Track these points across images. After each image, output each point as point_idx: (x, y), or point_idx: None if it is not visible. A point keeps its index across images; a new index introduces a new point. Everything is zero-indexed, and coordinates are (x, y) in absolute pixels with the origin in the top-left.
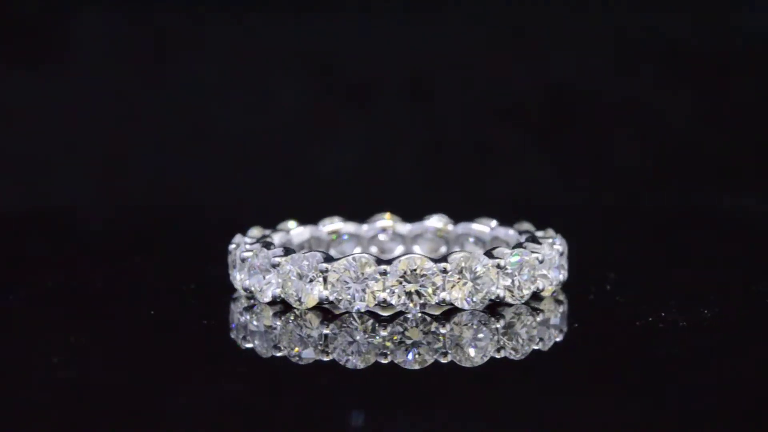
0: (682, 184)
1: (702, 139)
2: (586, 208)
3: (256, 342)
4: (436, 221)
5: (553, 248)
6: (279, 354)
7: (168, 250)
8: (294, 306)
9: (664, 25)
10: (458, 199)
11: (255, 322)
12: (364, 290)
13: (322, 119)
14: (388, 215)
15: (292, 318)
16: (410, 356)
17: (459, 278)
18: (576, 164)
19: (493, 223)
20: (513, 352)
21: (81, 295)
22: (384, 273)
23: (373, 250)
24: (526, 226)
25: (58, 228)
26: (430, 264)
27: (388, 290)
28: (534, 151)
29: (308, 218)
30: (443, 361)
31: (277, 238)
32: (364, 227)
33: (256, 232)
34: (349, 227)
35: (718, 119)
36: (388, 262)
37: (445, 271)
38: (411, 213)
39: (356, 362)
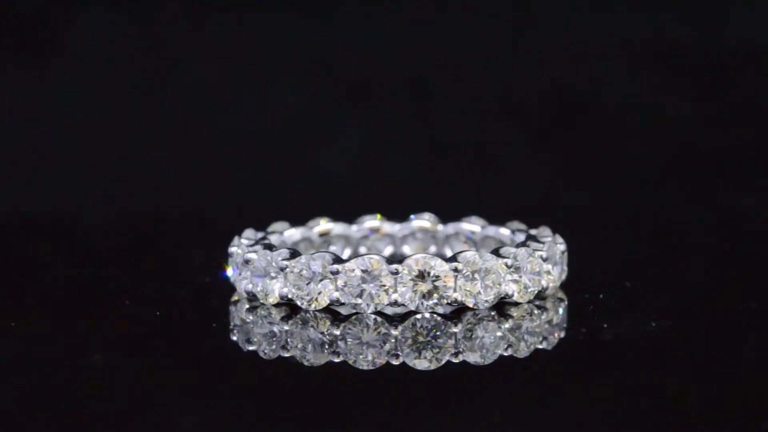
0: (682, 184)
1: (702, 139)
2: (586, 208)
3: (261, 344)
4: (424, 221)
5: (555, 245)
6: (287, 355)
7: (168, 251)
8: (304, 306)
9: (665, 25)
10: (457, 199)
11: (259, 324)
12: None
13: (321, 119)
14: (378, 216)
15: (300, 320)
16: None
17: (469, 278)
18: (576, 164)
19: (482, 222)
20: (517, 351)
21: (81, 297)
22: (396, 272)
23: (362, 250)
24: (517, 225)
25: (58, 229)
26: (442, 263)
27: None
28: (534, 151)
29: (307, 218)
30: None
31: (272, 239)
32: (354, 227)
33: (249, 233)
34: (338, 228)
35: (719, 119)
36: (400, 261)
37: (456, 270)
38: (409, 213)
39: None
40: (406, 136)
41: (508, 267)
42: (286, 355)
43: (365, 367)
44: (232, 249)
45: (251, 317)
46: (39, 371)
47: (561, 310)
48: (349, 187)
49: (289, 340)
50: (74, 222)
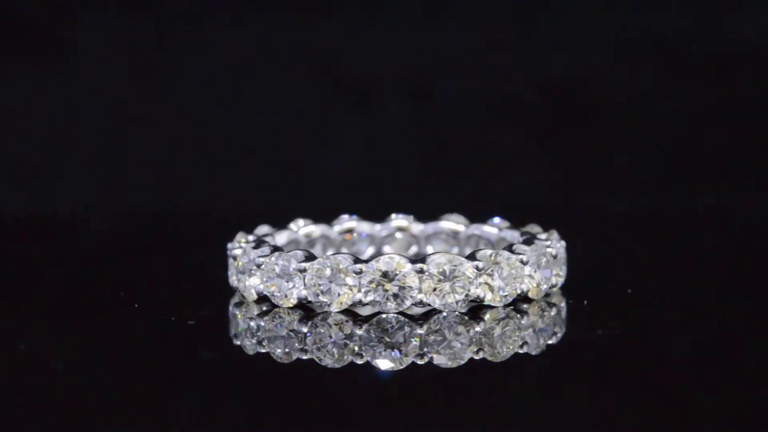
0: (682, 184)
1: (702, 139)
2: (586, 208)
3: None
4: (450, 222)
5: (545, 250)
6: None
7: (168, 252)
8: (277, 303)
9: (665, 25)
10: (459, 199)
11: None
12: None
13: (322, 119)
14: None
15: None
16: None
17: (439, 281)
18: (576, 164)
19: (503, 224)
20: (491, 356)
21: (80, 298)
22: (421, 271)
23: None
24: (534, 228)
25: (58, 230)
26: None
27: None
28: (533, 150)
29: (305, 218)
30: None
31: (282, 236)
32: (336, 228)
33: (264, 229)
34: (318, 229)
35: (720, 119)
36: (423, 259)
37: (421, 271)
38: (411, 213)
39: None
40: (406, 136)
41: (479, 270)
42: (305, 357)
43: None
44: (237, 251)
45: (263, 321)
46: (39, 371)
47: (544, 315)
48: (349, 187)
49: (307, 341)
50: (74, 222)
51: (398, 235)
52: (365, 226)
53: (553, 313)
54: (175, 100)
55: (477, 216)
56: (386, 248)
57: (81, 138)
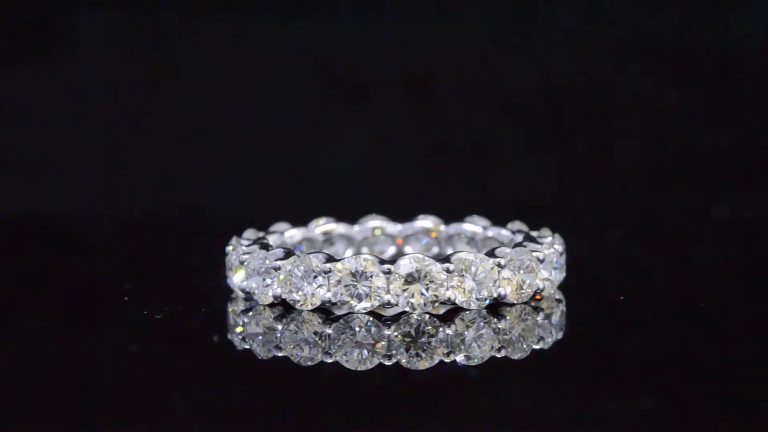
0: (683, 184)
1: (703, 139)
2: (586, 209)
3: (256, 344)
4: (426, 222)
5: (552, 247)
6: (280, 354)
7: (167, 252)
8: (296, 307)
9: (665, 25)
10: (457, 199)
11: (255, 324)
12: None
13: (320, 119)
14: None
15: (292, 319)
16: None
17: (461, 278)
18: (576, 164)
19: (485, 222)
20: (512, 352)
21: (80, 299)
22: (449, 270)
23: (364, 251)
24: (519, 225)
25: (58, 230)
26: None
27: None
28: (533, 150)
29: (307, 218)
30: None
31: (271, 240)
32: (356, 228)
33: (250, 234)
34: (341, 228)
35: (720, 120)
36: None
37: (448, 271)
38: (408, 213)
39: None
40: (406, 136)
41: (501, 267)
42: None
43: (355, 368)
44: (229, 249)
45: (246, 318)
46: (38, 372)
47: (558, 311)
48: (349, 187)
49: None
50: (74, 222)
51: (421, 235)
52: (342, 228)
53: (539, 318)
54: (174, 100)
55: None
56: (408, 248)
57: (81, 138)
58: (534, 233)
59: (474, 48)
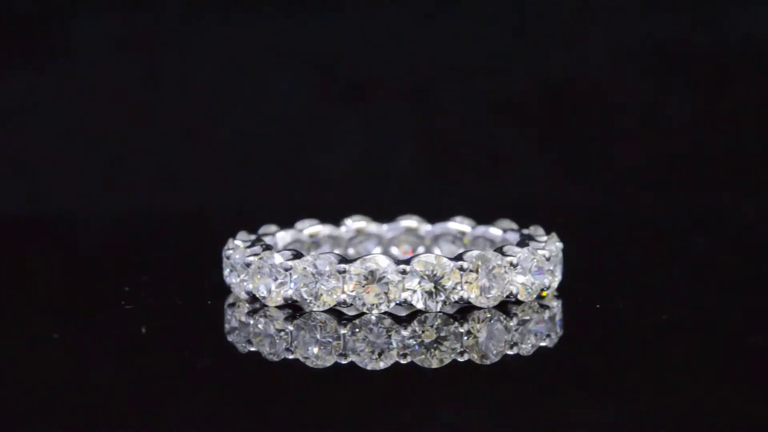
0: (683, 185)
1: (703, 139)
2: (585, 209)
3: (263, 345)
4: (411, 221)
5: (555, 245)
6: (291, 357)
7: (167, 253)
8: (307, 308)
9: (665, 25)
10: (457, 199)
11: (260, 326)
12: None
13: (320, 119)
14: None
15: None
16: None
17: (475, 276)
18: (576, 164)
19: (470, 222)
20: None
21: (79, 298)
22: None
23: (351, 251)
24: (507, 223)
25: (58, 230)
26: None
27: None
28: (533, 150)
29: (305, 219)
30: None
31: (267, 242)
32: (343, 229)
33: (243, 236)
34: (326, 229)
35: (720, 120)
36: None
37: (462, 269)
38: (410, 213)
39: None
40: (406, 136)
41: (513, 266)
42: (291, 356)
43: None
44: (229, 252)
45: (252, 320)
46: (38, 372)
47: (559, 309)
48: (349, 187)
49: (294, 341)
50: (74, 222)
51: (404, 236)
52: (374, 227)
53: (546, 316)
54: (174, 99)
55: (475, 216)
56: (393, 249)
57: (81, 138)
58: (526, 231)
59: (474, 48)
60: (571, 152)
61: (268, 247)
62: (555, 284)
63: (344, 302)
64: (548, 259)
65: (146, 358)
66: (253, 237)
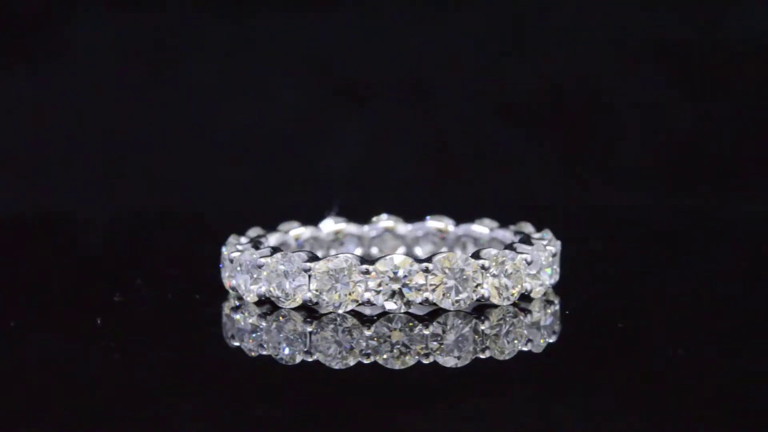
0: (683, 185)
1: (703, 139)
2: (586, 209)
3: (244, 341)
4: (436, 222)
5: (545, 249)
6: (265, 353)
7: (165, 253)
8: (279, 305)
9: (666, 25)
10: (457, 199)
11: (242, 322)
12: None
13: (320, 119)
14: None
15: (278, 317)
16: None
17: (442, 278)
18: (576, 164)
19: (493, 224)
20: (498, 353)
21: (79, 298)
22: (427, 270)
23: (374, 251)
24: (524, 227)
25: (57, 230)
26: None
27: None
28: (534, 151)
29: (309, 219)
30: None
31: (274, 238)
32: (323, 233)
33: (253, 232)
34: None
35: (720, 120)
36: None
37: (427, 270)
38: (410, 213)
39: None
40: (407, 136)
41: (485, 269)
42: (265, 353)
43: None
44: (224, 248)
45: (237, 315)
46: (37, 372)
47: (548, 313)
48: (348, 187)
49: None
50: (73, 222)
51: (430, 236)
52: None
53: (551, 311)
54: (174, 99)
55: (474, 216)
56: (417, 249)
57: (81, 138)
58: (537, 235)
59: (474, 48)
60: (570, 152)
61: (256, 245)
62: (543, 288)
63: (310, 300)
64: (529, 264)
65: (145, 358)
66: (262, 233)
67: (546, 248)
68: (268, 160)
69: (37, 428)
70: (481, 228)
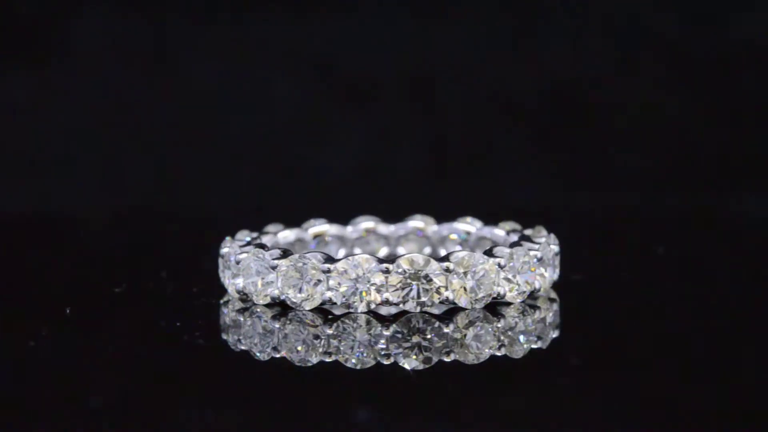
0: (683, 185)
1: (703, 139)
2: (585, 209)
3: (254, 344)
4: (419, 222)
5: (549, 246)
6: (278, 356)
7: (164, 253)
8: (294, 307)
9: (666, 25)
10: (457, 199)
11: (250, 324)
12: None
13: (320, 119)
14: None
15: (292, 319)
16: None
17: (460, 278)
18: (576, 164)
19: (478, 223)
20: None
21: (78, 298)
22: (447, 270)
23: (357, 251)
24: (512, 225)
25: (57, 230)
26: (435, 264)
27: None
28: (533, 151)
29: (305, 219)
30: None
31: (264, 240)
32: (349, 228)
33: (243, 235)
34: (333, 229)
35: (720, 120)
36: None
37: (447, 270)
38: (409, 213)
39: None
40: (407, 136)
41: (501, 267)
42: (278, 355)
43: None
44: (224, 250)
45: (242, 317)
46: (36, 372)
47: (554, 310)
48: (348, 187)
49: (283, 339)
50: (73, 222)
51: (412, 236)
52: (334, 229)
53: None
54: (174, 99)
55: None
56: (400, 249)
57: (80, 138)
58: (528, 232)
59: (474, 48)
60: (570, 152)
61: (261, 247)
62: (546, 285)
63: (330, 300)
64: (539, 260)
65: (146, 357)
66: (253, 235)
67: (550, 246)
68: (267, 161)
69: (37, 428)
70: (467, 226)
